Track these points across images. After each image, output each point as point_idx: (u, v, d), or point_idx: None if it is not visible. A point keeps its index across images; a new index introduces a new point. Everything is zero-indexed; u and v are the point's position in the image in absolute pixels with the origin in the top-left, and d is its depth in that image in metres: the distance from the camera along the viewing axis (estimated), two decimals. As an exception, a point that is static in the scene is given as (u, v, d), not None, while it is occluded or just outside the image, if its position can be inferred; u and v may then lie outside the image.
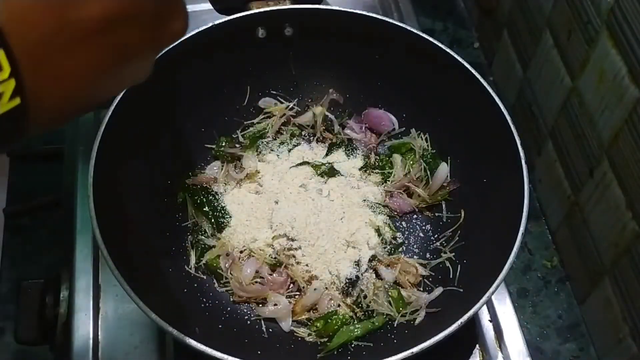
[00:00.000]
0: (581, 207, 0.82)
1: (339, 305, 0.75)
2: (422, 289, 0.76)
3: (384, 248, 0.79)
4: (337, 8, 0.83)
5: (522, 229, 0.67)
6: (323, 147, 0.87)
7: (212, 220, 0.80)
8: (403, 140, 0.87)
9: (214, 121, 0.86)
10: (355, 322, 0.74)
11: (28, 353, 0.85)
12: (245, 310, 0.76)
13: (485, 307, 0.82)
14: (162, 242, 0.78)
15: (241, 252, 0.79)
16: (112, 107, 0.73)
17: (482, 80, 0.77)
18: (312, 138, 0.88)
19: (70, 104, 0.40)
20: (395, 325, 0.73)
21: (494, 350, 0.79)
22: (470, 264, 0.75)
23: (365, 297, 0.76)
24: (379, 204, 0.81)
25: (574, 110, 0.81)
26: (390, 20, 0.83)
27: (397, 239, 0.80)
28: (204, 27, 0.80)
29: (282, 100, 0.89)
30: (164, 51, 0.76)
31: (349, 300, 0.76)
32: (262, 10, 0.83)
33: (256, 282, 0.77)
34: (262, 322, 0.75)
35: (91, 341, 0.78)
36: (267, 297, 0.76)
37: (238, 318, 0.75)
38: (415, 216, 0.83)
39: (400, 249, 0.79)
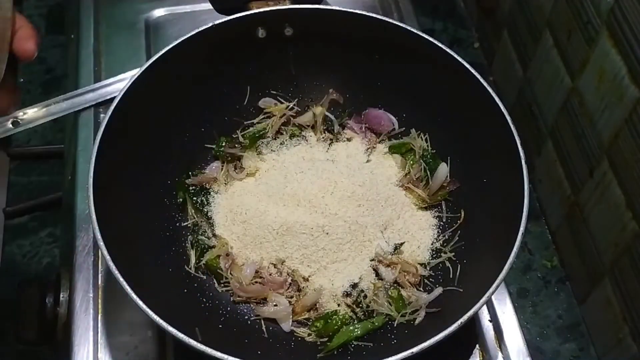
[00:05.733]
0: (581, 207, 0.82)
1: (339, 305, 0.75)
2: (422, 289, 0.77)
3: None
4: (337, 8, 0.83)
5: (522, 229, 0.67)
6: (323, 147, 0.87)
7: (212, 220, 0.81)
8: (403, 140, 0.87)
9: (214, 121, 0.86)
10: (355, 322, 0.74)
11: (28, 353, 0.85)
12: (245, 310, 0.76)
13: (485, 307, 0.82)
14: (162, 242, 0.77)
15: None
16: (112, 108, 0.73)
17: (482, 80, 0.77)
18: (312, 138, 0.88)
19: None
20: (395, 325, 0.73)
21: (494, 350, 0.79)
22: (470, 264, 0.75)
23: (365, 297, 0.76)
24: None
25: (574, 110, 0.81)
26: (390, 20, 0.83)
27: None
28: (204, 27, 0.80)
29: (282, 100, 0.89)
30: (163, 51, 0.78)
31: (349, 300, 0.76)
32: (262, 10, 0.83)
33: (256, 282, 0.77)
34: (262, 322, 0.75)
35: (91, 341, 0.78)
36: (267, 297, 0.76)
37: (238, 318, 0.75)
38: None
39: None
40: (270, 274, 0.77)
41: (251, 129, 0.88)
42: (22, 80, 1.03)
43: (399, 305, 0.74)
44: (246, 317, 0.76)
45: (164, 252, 0.77)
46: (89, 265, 0.81)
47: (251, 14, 0.82)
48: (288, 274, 0.77)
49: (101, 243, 0.64)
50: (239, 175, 0.84)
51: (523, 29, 0.93)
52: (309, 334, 0.74)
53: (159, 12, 1.10)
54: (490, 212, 0.75)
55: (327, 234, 0.76)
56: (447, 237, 0.80)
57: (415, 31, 0.81)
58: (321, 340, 0.73)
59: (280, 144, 0.87)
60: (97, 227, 0.65)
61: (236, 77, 0.86)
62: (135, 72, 0.76)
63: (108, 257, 0.64)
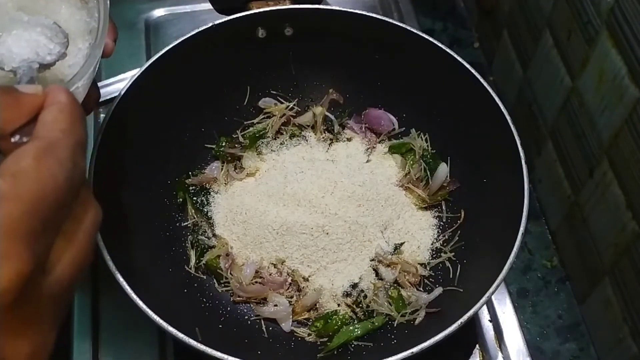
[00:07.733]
0: (581, 207, 0.82)
1: (339, 305, 0.75)
2: (422, 289, 0.77)
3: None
4: (337, 8, 0.84)
5: (522, 229, 0.67)
6: (323, 147, 0.87)
7: (212, 220, 0.81)
8: (403, 140, 0.87)
9: (214, 121, 0.86)
10: (355, 322, 0.74)
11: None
12: (245, 310, 0.76)
13: (485, 307, 0.82)
14: (162, 242, 0.78)
15: (241, 252, 0.79)
16: (112, 108, 0.73)
17: (482, 80, 0.77)
18: (312, 138, 0.88)
19: None
20: (395, 325, 0.73)
21: (494, 350, 0.79)
22: (470, 264, 0.75)
23: (365, 297, 0.76)
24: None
25: (574, 110, 0.81)
26: (390, 20, 0.83)
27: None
28: (204, 27, 0.80)
29: (282, 100, 0.89)
30: (163, 51, 0.78)
31: (349, 300, 0.76)
32: (262, 10, 0.83)
33: (256, 282, 0.77)
34: (262, 322, 0.75)
35: (91, 341, 0.78)
36: (267, 297, 0.76)
37: (238, 318, 0.75)
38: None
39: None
40: (270, 274, 0.77)
41: (251, 129, 0.88)
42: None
43: (399, 305, 0.74)
44: (246, 317, 0.76)
45: (164, 252, 0.77)
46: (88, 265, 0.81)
47: (251, 14, 0.83)
48: (288, 274, 0.77)
49: (101, 243, 0.64)
50: (239, 175, 0.84)
51: (523, 29, 0.93)
52: (309, 334, 0.74)
53: (159, 12, 1.10)
54: (490, 212, 0.75)
55: (327, 234, 0.76)
56: (447, 237, 0.80)
57: (415, 31, 0.81)
58: (321, 340, 0.73)
59: (280, 144, 0.87)
60: (97, 227, 0.65)
61: (236, 77, 0.86)
62: (135, 72, 0.76)
63: (108, 257, 0.64)
